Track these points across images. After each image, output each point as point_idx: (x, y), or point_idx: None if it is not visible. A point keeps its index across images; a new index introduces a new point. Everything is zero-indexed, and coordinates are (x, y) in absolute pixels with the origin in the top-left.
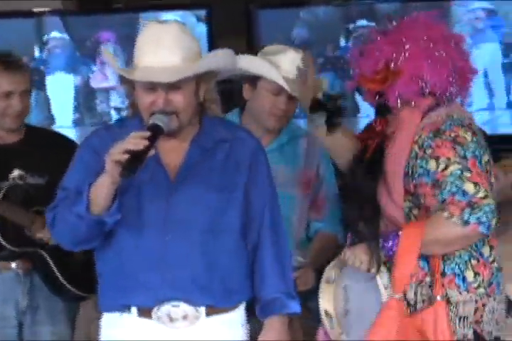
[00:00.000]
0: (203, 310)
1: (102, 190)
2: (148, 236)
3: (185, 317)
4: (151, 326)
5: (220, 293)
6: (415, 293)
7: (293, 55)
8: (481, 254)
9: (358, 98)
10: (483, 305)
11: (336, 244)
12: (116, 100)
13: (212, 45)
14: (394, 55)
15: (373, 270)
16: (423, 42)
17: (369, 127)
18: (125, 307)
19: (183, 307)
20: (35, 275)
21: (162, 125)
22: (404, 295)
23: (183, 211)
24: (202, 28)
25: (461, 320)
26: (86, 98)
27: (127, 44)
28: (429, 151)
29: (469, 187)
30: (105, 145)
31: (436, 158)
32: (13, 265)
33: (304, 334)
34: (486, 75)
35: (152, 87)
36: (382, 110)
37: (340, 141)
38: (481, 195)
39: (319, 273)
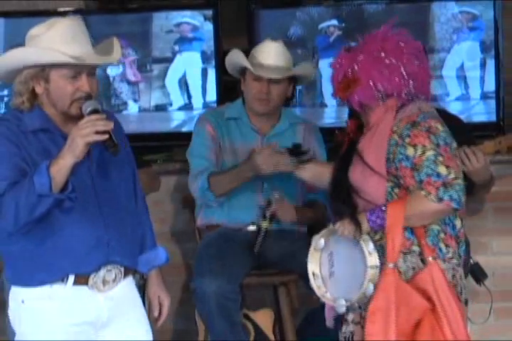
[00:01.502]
0: (123, 270)
1: (63, 170)
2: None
3: (114, 280)
4: (84, 292)
5: (135, 255)
6: (405, 262)
7: (268, 43)
8: (453, 226)
9: None
10: (457, 272)
11: (324, 211)
12: None
13: (218, 42)
14: (350, 66)
15: (359, 238)
16: (376, 53)
17: (343, 129)
18: (60, 278)
19: (114, 271)
20: None
21: None
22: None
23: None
24: (209, 26)
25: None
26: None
27: (140, 41)
28: (407, 140)
29: (442, 170)
30: (15, 136)
31: (414, 146)
32: None
33: (300, 301)
34: (462, 69)
35: None
36: (354, 113)
37: (313, 170)
38: (452, 176)
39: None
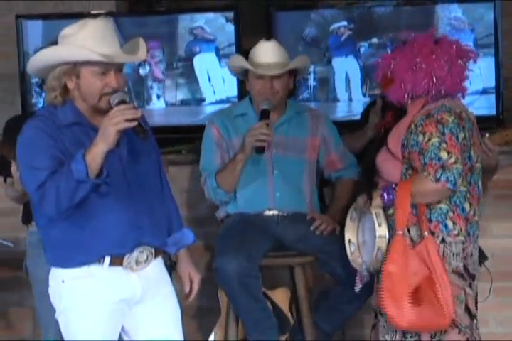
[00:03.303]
0: (153, 251)
1: (98, 158)
2: None
3: (146, 260)
4: (119, 272)
5: (163, 236)
6: (409, 233)
7: (263, 44)
8: (463, 209)
9: None
10: (466, 248)
11: (353, 186)
12: None
13: (239, 42)
14: (389, 66)
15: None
16: (411, 57)
17: (370, 106)
18: (97, 260)
19: (146, 252)
20: None
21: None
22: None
23: None
24: (230, 28)
25: (454, 255)
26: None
27: (168, 41)
28: (419, 128)
29: (444, 155)
30: (51, 130)
31: (424, 133)
32: None
33: (315, 281)
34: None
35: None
36: (390, 106)
37: None
38: (452, 160)
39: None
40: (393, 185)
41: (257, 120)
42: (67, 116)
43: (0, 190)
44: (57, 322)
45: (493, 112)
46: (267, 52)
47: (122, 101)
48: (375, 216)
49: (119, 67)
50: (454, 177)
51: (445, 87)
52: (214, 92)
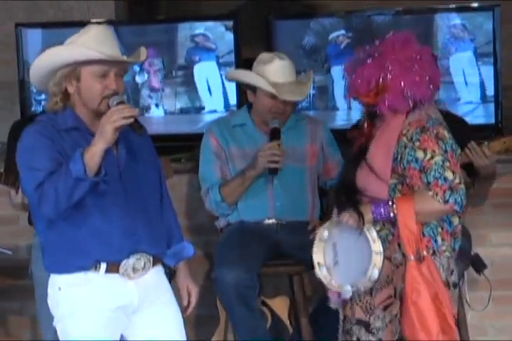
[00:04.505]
0: (151, 259)
1: (96, 156)
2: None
3: (143, 268)
4: (116, 279)
5: (162, 245)
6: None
7: (278, 63)
8: (450, 223)
9: None
10: (447, 263)
11: None
12: None
13: (238, 50)
14: (381, 75)
15: (364, 227)
16: (403, 62)
17: (356, 127)
18: (93, 265)
19: (143, 259)
20: None
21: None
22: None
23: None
24: (229, 36)
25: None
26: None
27: (167, 49)
28: (417, 144)
29: (449, 174)
30: (50, 133)
31: (424, 150)
32: None
33: (313, 289)
34: (463, 75)
35: None
36: (372, 116)
37: None
38: (457, 180)
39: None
40: (389, 202)
41: (256, 129)
42: (66, 121)
43: (0, 197)
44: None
45: (492, 121)
46: (284, 73)
47: (121, 103)
48: (367, 232)
49: (119, 72)
50: (460, 198)
51: (435, 90)
52: (213, 101)
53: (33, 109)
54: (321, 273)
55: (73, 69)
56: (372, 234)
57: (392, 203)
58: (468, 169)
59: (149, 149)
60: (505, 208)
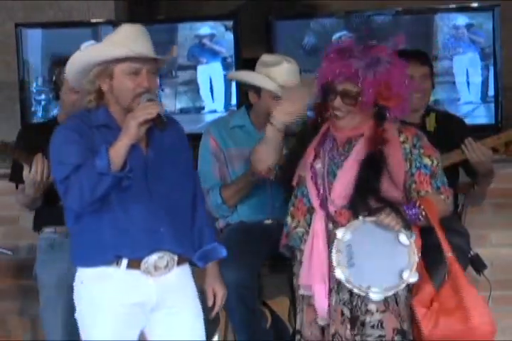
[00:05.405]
0: (176, 258)
1: (121, 151)
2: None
3: (166, 266)
4: (137, 276)
5: (189, 245)
6: None
7: (286, 66)
8: None
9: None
10: None
11: None
12: None
13: (238, 50)
14: (380, 88)
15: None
16: (401, 68)
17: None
18: (114, 260)
19: (166, 257)
20: None
21: None
22: None
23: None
24: (229, 36)
25: None
26: None
27: (167, 49)
28: (422, 150)
29: (445, 179)
30: (81, 129)
31: (429, 156)
32: None
33: None
34: (464, 75)
35: None
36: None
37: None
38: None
39: None
40: (416, 203)
41: (255, 130)
42: (98, 118)
43: (0, 197)
44: (60, 330)
45: (493, 121)
46: (291, 76)
47: (150, 100)
48: (404, 234)
49: (151, 70)
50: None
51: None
52: (214, 101)
53: (33, 109)
54: (344, 274)
55: (106, 68)
56: (411, 236)
57: (420, 205)
58: (467, 168)
59: (184, 151)
60: (505, 208)
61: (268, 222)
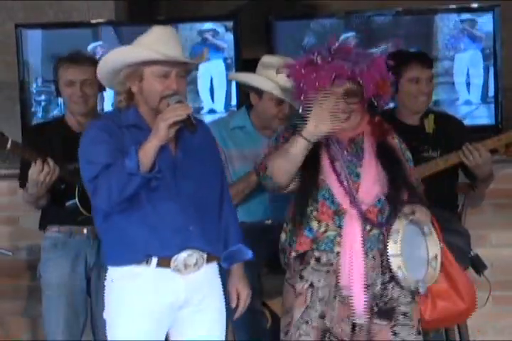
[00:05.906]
0: (205, 256)
1: (150, 152)
2: None
3: (195, 264)
4: (166, 274)
5: (217, 243)
6: None
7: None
8: None
9: None
10: None
11: None
12: None
13: (239, 50)
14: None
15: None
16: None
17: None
18: (144, 259)
19: (195, 255)
20: None
21: None
22: None
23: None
24: (230, 36)
25: None
26: None
27: None
28: (403, 145)
29: None
30: (111, 129)
31: (408, 150)
32: (85, 230)
33: None
34: (464, 76)
35: None
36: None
37: None
38: None
39: None
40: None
41: (255, 131)
42: (128, 118)
43: (1, 198)
44: (61, 329)
45: (493, 122)
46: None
47: (179, 102)
48: (432, 228)
49: (180, 72)
50: None
51: None
52: (213, 101)
53: (33, 109)
54: (402, 275)
55: (136, 69)
56: (429, 226)
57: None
58: (466, 171)
59: (213, 151)
60: (505, 208)
61: (268, 222)
